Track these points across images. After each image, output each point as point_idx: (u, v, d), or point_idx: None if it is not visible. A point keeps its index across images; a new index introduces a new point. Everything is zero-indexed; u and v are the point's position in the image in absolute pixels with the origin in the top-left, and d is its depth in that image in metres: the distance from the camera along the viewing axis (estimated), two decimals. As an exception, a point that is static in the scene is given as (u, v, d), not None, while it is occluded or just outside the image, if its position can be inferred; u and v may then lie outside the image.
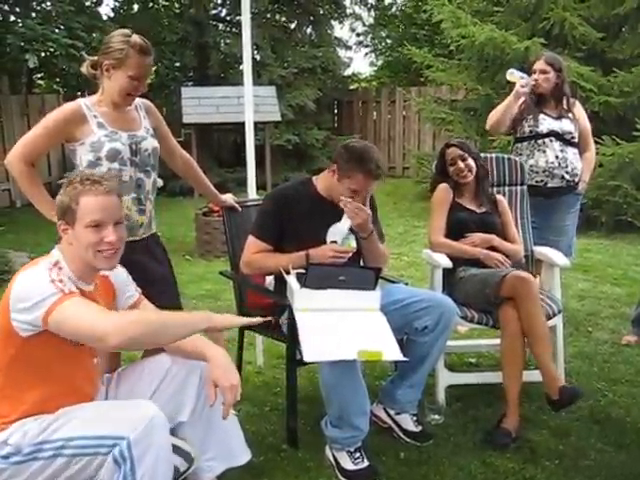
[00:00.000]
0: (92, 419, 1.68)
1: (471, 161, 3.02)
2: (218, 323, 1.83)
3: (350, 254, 2.50)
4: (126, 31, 2.31)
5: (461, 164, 3.01)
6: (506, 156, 3.42)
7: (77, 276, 1.78)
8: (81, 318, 1.63)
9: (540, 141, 3.54)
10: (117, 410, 1.66)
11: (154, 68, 9.68)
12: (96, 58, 2.33)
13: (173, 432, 1.94)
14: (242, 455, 2.08)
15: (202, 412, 1.93)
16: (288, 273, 2.44)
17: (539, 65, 3.58)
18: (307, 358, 2.17)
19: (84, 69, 2.37)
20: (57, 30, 7.19)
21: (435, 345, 2.50)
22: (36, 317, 1.63)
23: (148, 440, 1.58)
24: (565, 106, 3.61)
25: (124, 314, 1.84)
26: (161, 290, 2.38)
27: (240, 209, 2.96)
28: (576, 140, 3.60)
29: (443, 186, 3.07)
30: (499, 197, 3.16)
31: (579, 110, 3.70)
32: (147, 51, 2.28)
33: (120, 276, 1.99)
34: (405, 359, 2.29)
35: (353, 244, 2.55)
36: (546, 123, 3.55)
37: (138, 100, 2.44)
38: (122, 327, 1.61)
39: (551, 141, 3.53)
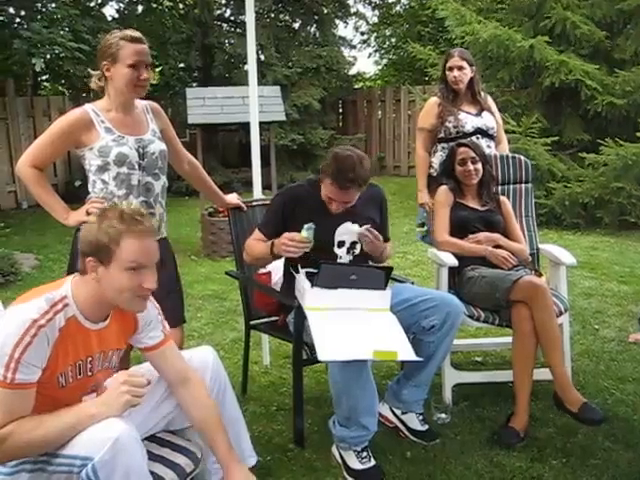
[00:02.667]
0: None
1: (480, 165, 3.02)
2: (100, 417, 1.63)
3: (306, 245, 2.37)
4: (115, 30, 2.33)
5: (471, 166, 3.00)
6: (510, 154, 3.41)
7: (85, 315, 1.69)
8: None
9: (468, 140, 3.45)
10: (89, 429, 1.59)
11: (159, 69, 9.72)
12: (98, 72, 2.34)
13: (179, 433, 1.94)
14: (249, 458, 2.09)
15: None
16: (297, 272, 2.43)
17: (455, 62, 3.49)
18: (322, 357, 2.16)
19: (93, 85, 2.37)
20: (62, 33, 7.20)
21: (441, 344, 2.49)
22: None
23: (114, 461, 1.54)
24: (481, 100, 3.56)
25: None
26: (164, 296, 2.38)
27: (246, 208, 2.96)
28: (496, 134, 3.58)
29: (443, 188, 3.08)
30: (502, 198, 3.15)
31: (492, 103, 3.66)
32: (139, 39, 2.29)
33: (149, 315, 1.86)
34: (419, 359, 2.29)
35: (306, 235, 2.38)
36: (470, 121, 3.48)
37: (145, 102, 2.44)
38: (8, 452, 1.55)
39: (477, 139, 3.45)
